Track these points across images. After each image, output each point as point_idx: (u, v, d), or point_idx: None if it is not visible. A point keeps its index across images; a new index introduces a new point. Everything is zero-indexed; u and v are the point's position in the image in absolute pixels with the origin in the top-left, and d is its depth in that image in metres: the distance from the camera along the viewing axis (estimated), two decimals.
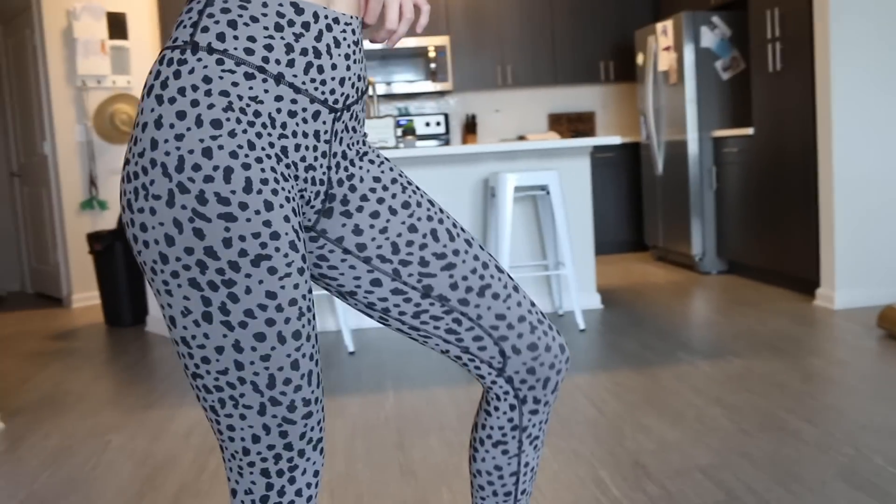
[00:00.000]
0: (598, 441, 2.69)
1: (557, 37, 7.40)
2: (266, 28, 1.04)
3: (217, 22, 1.03)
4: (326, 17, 1.09)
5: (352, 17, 1.14)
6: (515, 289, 1.27)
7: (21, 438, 3.11)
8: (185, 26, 1.04)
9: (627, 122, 7.86)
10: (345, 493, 2.41)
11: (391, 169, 1.25)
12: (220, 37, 1.02)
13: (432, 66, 7.23)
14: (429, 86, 7.26)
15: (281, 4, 1.04)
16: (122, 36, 6.40)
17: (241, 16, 1.03)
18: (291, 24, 1.05)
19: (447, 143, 7.53)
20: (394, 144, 4.97)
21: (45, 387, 3.85)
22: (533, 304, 1.29)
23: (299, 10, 1.06)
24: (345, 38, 1.13)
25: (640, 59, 6.63)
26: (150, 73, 1.05)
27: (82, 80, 6.21)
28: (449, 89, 7.29)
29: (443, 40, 7.22)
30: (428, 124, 7.52)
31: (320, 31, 1.08)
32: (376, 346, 4.29)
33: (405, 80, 7.24)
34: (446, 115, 7.54)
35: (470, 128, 7.55)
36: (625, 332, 4.22)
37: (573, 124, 7.76)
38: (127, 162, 1.02)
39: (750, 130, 5.31)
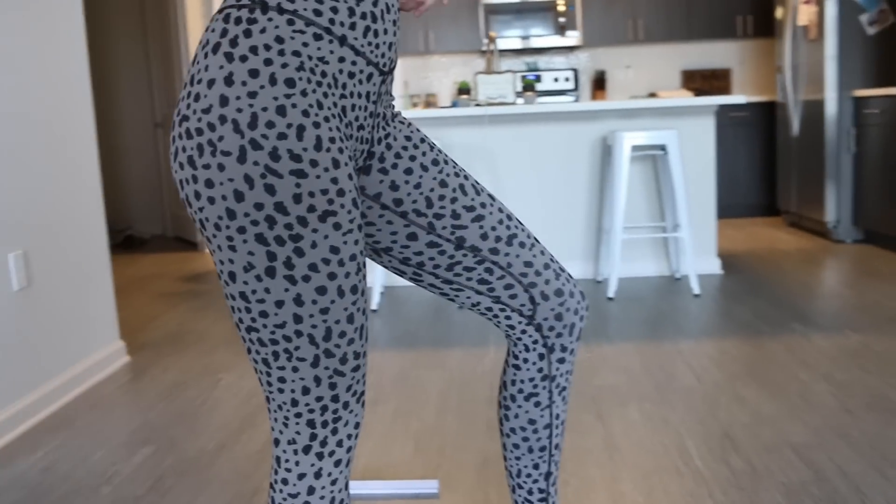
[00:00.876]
0: (690, 410, 2.63)
1: None
2: None
3: None
4: None
5: None
6: (536, 240, 1.33)
7: (143, 371, 3.33)
8: None
9: (765, 79, 7.49)
10: (429, 443, 2.47)
11: (418, 130, 1.31)
12: None
13: (561, 20, 7.09)
14: (558, 40, 7.14)
15: None
16: None
17: None
18: None
19: (577, 100, 7.41)
20: (512, 100, 4.93)
21: (171, 325, 4.10)
22: (552, 255, 1.35)
23: None
24: (392, 5, 1.15)
25: (778, 12, 6.28)
26: (212, 30, 1.05)
27: None
28: (578, 44, 7.14)
29: None
30: (556, 80, 7.41)
31: None
32: None
33: (534, 35, 7.14)
34: (575, 71, 7.40)
35: (599, 84, 7.39)
36: (740, 300, 4.08)
37: (707, 81, 7.47)
38: (185, 118, 1.02)
39: (895, 90, 4.96)
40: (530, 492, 1.45)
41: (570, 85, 7.40)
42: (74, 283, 3.15)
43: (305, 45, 1.03)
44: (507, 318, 1.33)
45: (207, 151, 1.00)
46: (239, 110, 0.99)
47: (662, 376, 2.97)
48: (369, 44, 1.11)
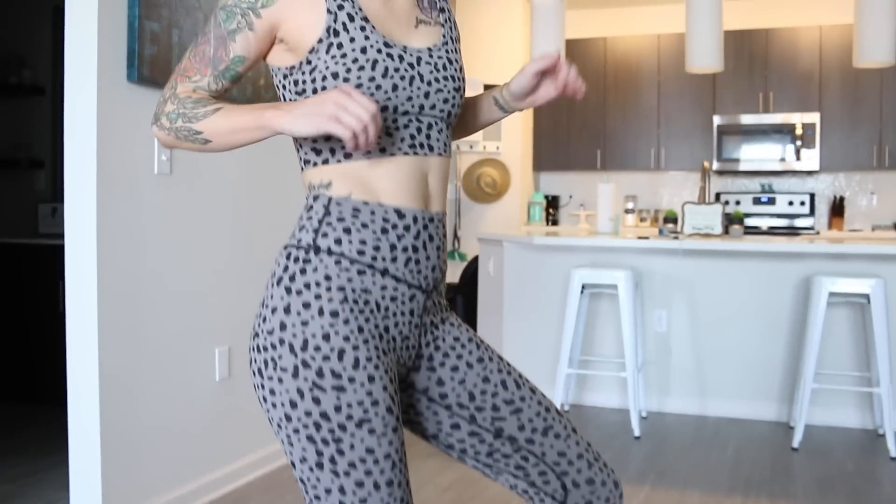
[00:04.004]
0: None
1: None
2: (374, 232, 1.31)
3: (335, 229, 1.31)
4: (424, 217, 1.35)
5: (443, 214, 1.40)
6: (574, 430, 1.47)
7: None
8: (307, 230, 1.33)
9: None
10: None
11: (467, 330, 1.49)
12: (338, 241, 1.30)
13: (798, 143, 6.92)
14: (794, 164, 6.96)
15: (386, 212, 1.31)
16: None
17: (353, 223, 1.31)
18: (395, 227, 1.32)
19: (813, 226, 7.12)
20: (719, 232, 4.93)
21: None
22: (588, 444, 1.48)
23: (401, 216, 1.33)
24: (437, 232, 1.39)
25: None
26: (278, 264, 1.34)
27: (457, 144, 6.99)
28: (814, 169, 6.91)
29: (812, 117, 6.87)
30: (791, 203, 7.19)
31: (419, 232, 1.35)
32: (665, 433, 4.30)
33: (768, 157, 7.01)
34: (812, 195, 7.14)
35: (837, 210, 7.06)
36: None
37: None
38: (256, 335, 1.32)
39: None
40: None
41: (806, 209, 7.14)
42: None
43: (350, 280, 1.29)
44: (541, 500, 1.47)
45: (271, 366, 1.28)
46: (294, 335, 1.27)
47: None
48: (410, 271, 1.34)
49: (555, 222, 7.76)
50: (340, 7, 1.30)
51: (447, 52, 1.41)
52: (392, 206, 1.32)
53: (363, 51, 1.29)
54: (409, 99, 1.32)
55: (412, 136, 1.34)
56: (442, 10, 1.46)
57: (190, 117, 1.28)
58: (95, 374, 2.71)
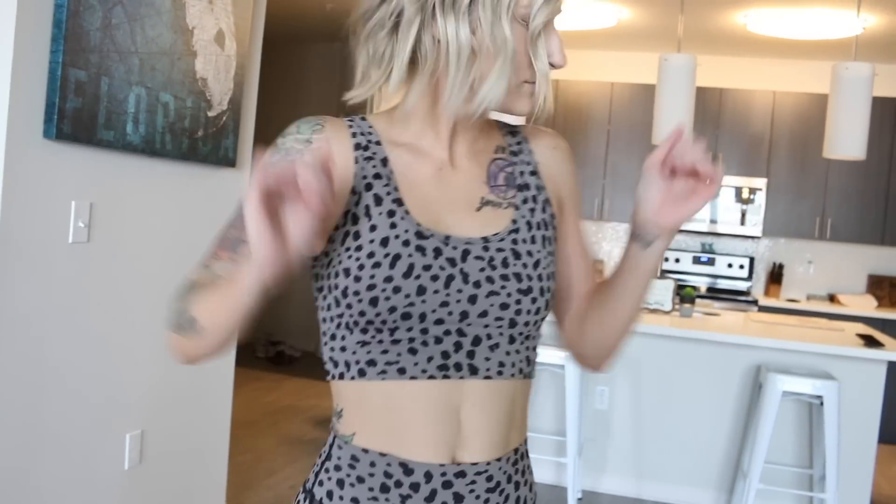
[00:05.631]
0: None
1: (893, 195, 6.67)
2: (371, 489, 1.02)
3: (330, 479, 1.05)
4: (446, 472, 1.02)
5: (488, 463, 1.04)
6: None
7: None
8: (314, 470, 1.09)
9: None
10: None
11: None
12: (329, 495, 1.04)
13: (743, 207, 6.84)
14: (736, 227, 6.88)
15: (389, 465, 1.02)
16: None
17: (349, 475, 1.03)
18: (399, 484, 1.02)
19: (749, 289, 7.06)
20: (669, 308, 4.75)
21: (282, 487, 4.13)
22: None
23: (408, 471, 1.02)
24: (472, 491, 1.03)
25: None
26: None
27: None
28: (757, 235, 6.84)
29: (760, 182, 6.81)
30: (730, 265, 7.12)
31: (433, 492, 1.01)
32: None
33: (711, 217, 6.92)
34: (751, 259, 7.08)
35: (775, 278, 7.01)
36: None
37: None
38: None
39: None
40: None
41: (745, 273, 7.07)
42: (187, 458, 3.24)
43: None
44: None
45: None
46: None
47: None
48: None
49: None
50: (369, 186, 1.04)
51: (513, 241, 1.08)
52: (397, 458, 1.01)
53: (383, 243, 1.01)
54: (445, 305, 1.01)
55: (444, 354, 1.02)
56: (523, 186, 1.13)
57: (183, 298, 1.05)
58: None
